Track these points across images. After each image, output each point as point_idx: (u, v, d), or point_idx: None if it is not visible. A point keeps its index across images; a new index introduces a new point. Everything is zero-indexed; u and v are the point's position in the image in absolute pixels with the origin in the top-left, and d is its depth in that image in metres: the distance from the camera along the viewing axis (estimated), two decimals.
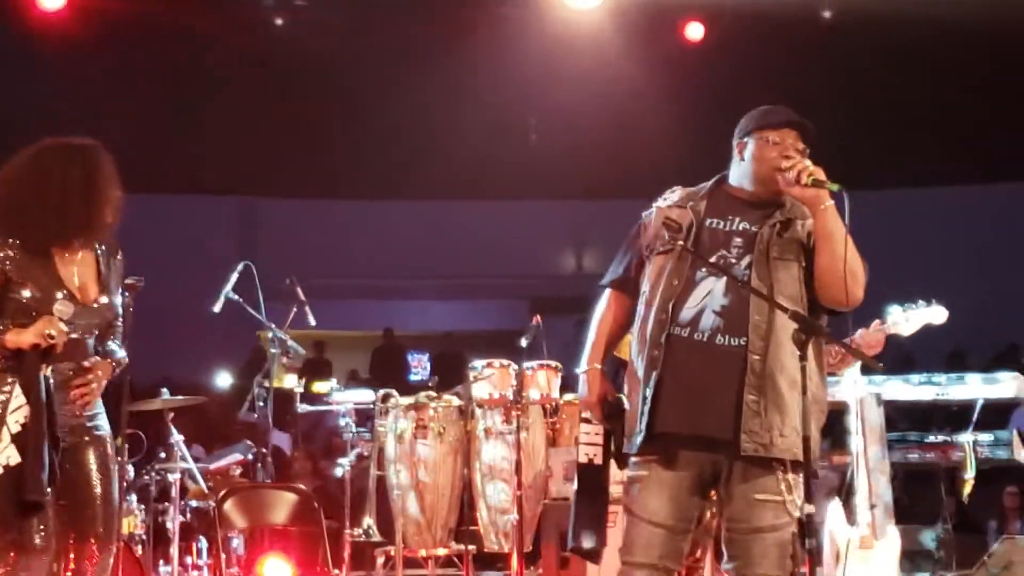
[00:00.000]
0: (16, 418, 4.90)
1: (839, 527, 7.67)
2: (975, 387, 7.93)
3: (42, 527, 4.98)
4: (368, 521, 7.86)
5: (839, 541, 7.65)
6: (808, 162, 4.67)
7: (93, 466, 5.14)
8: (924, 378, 7.95)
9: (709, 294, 4.71)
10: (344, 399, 8.16)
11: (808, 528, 4.45)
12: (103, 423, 5.23)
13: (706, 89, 15.64)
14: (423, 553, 7.54)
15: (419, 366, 17.66)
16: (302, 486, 8.84)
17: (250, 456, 9.02)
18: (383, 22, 15.03)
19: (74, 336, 5.03)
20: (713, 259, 4.74)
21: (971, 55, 15.58)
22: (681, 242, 4.76)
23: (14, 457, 4.87)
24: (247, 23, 14.24)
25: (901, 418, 10.00)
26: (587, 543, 5.44)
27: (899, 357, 12.68)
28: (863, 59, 15.71)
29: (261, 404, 9.16)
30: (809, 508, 4.45)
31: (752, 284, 4.64)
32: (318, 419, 11.04)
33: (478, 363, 7.86)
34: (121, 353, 5.35)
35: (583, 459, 5.21)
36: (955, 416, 10.28)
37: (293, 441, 10.98)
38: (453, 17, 14.82)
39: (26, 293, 4.95)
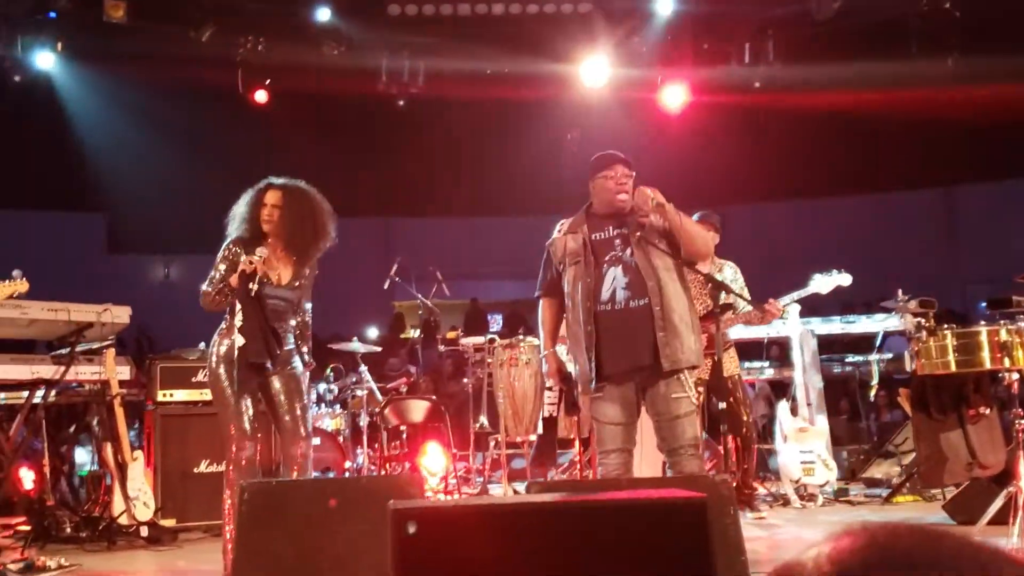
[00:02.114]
0: (238, 318, 5.11)
1: (786, 418, 7.67)
2: (879, 323, 7.88)
3: (253, 421, 5.18)
4: (482, 419, 7.91)
5: (786, 428, 7.65)
6: (648, 190, 4.84)
7: (288, 387, 5.31)
8: (844, 319, 7.92)
9: (615, 279, 4.86)
10: (467, 342, 8.21)
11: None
12: (296, 361, 5.41)
13: (682, 133, 15.66)
14: (518, 439, 7.59)
15: (494, 323, 17.64)
16: (433, 396, 8.90)
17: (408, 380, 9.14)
18: (471, 99, 15.04)
19: (276, 308, 5.20)
20: (608, 257, 4.90)
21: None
22: (580, 258, 4.93)
23: (240, 341, 5.06)
24: (383, 102, 14.26)
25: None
26: (542, 465, 5.63)
27: (810, 307, 12.67)
28: (781, 114, 15.59)
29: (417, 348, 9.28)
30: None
31: (640, 263, 4.82)
32: (444, 356, 11.06)
33: None
34: (308, 358, 5.54)
35: (546, 413, 5.34)
36: (849, 345, 10.23)
37: (433, 369, 10.95)
38: (515, 94, 14.79)
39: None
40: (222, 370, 5.17)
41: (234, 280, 5.12)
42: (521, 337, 7.73)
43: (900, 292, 6.90)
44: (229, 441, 5.16)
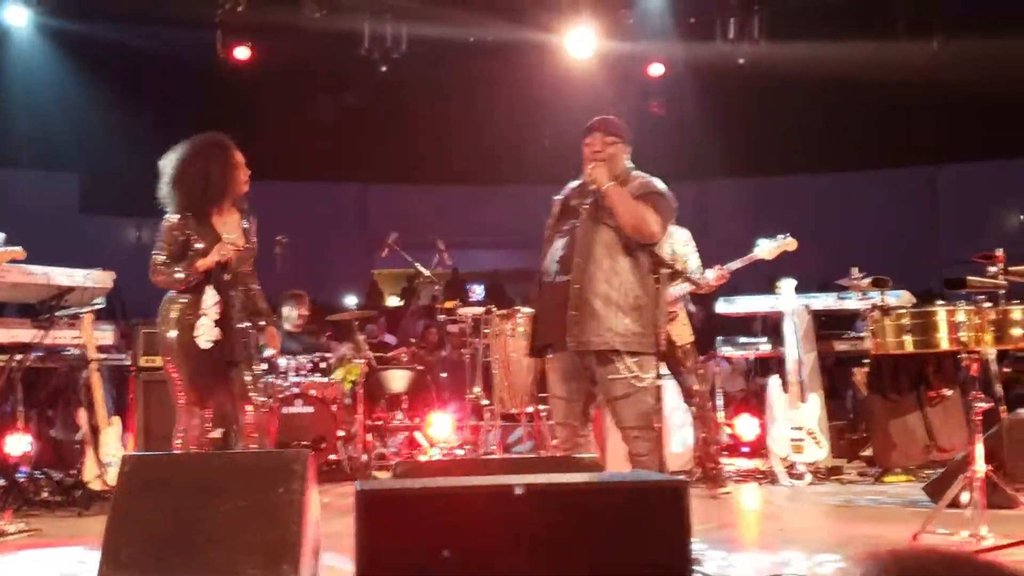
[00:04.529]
0: (214, 310, 5.00)
1: (776, 395, 7.60)
2: (875, 301, 7.74)
3: (205, 391, 5.09)
4: (477, 389, 7.79)
5: (776, 404, 7.59)
6: (591, 167, 4.75)
7: (244, 356, 5.17)
8: (839, 294, 7.79)
9: (555, 251, 4.83)
10: (464, 311, 8.06)
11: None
12: (248, 326, 5.30)
13: (664, 106, 15.61)
14: (514, 410, 7.47)
15: (474, 294, 17.51)
16: (419, 367, 8.78)
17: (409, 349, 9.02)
18: (452, 66, 14.89)
19: (233, 273, 5.09)
20: (567, 227, 4.84)
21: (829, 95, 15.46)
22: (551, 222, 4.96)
23: (216, 335, 4.99)
24: (363, 68, 14.04)
25: None
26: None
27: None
28: (767, 91, 15.55)
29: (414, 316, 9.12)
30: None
31: (580, 237, 4.73)
32: (428, 325, 10.88)
33: None
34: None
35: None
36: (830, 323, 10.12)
37: (405, 339, 10.80)
38: (497, 62, 14.67)
39: (199, 245, 5.09)
40: (173, 334, 5.06)
41: (203, 266, 4.99)
42: (518, 308, 7.60)
43: (855, 270, 6.84)
44: (178, 411, 5.08)
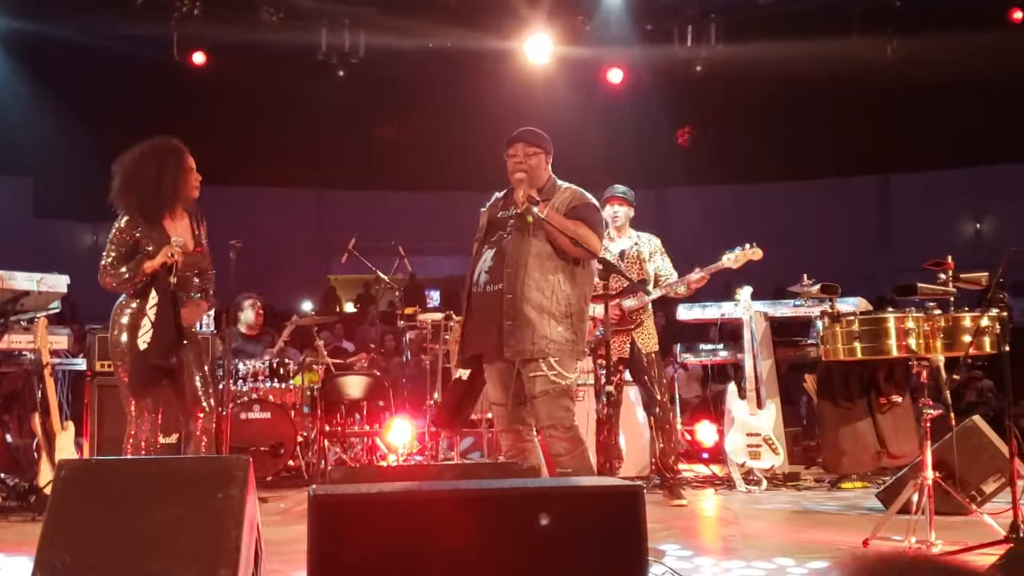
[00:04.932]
0: (153, 312, 4.99)
1: (734, 402, 7.65)
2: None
3: (155, 397, 5.08)
4: (436, 395, 7.78)
5: (733, 411, 7.64)
6: (521, 195, 4.76)
7: (192, 360, 5.15)
8: (795, 302, 7.85)
9: (485, 260, 4.86)
10: (424, 317, 8.04)
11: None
12: (200, 329, 5.44)
13: (622, 112, 15.68)
14: (474, 416, 7.45)
15: (430, 299, 17.49)
16: (376, 372, 8.75)
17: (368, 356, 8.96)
18: (411, 72, 14.86)
19: (184, 276, 5.10)
20: (495, 238, 4.87)
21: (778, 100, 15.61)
22: (481, 235, 4.96)
23: (147, 335, 4.99)
24: (323, 72, 13.96)
25: None
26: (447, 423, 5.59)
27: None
28: (721, 97, 15.67)
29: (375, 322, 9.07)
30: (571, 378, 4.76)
31: (510, 248, 4.76)
32: (386, 331, 10.82)
33: None
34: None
35: (455, 375, 5.30)
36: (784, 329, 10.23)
37: (362, 345, 10.76)
38: (456, 68, 14.65)
39: (149, 248, 5.06)
40: (123, 339, 5.03)
41: (149, 267, 4.98)
42: None
43: (805, 277, 6.93)
44: (128, 417, 5.06)
